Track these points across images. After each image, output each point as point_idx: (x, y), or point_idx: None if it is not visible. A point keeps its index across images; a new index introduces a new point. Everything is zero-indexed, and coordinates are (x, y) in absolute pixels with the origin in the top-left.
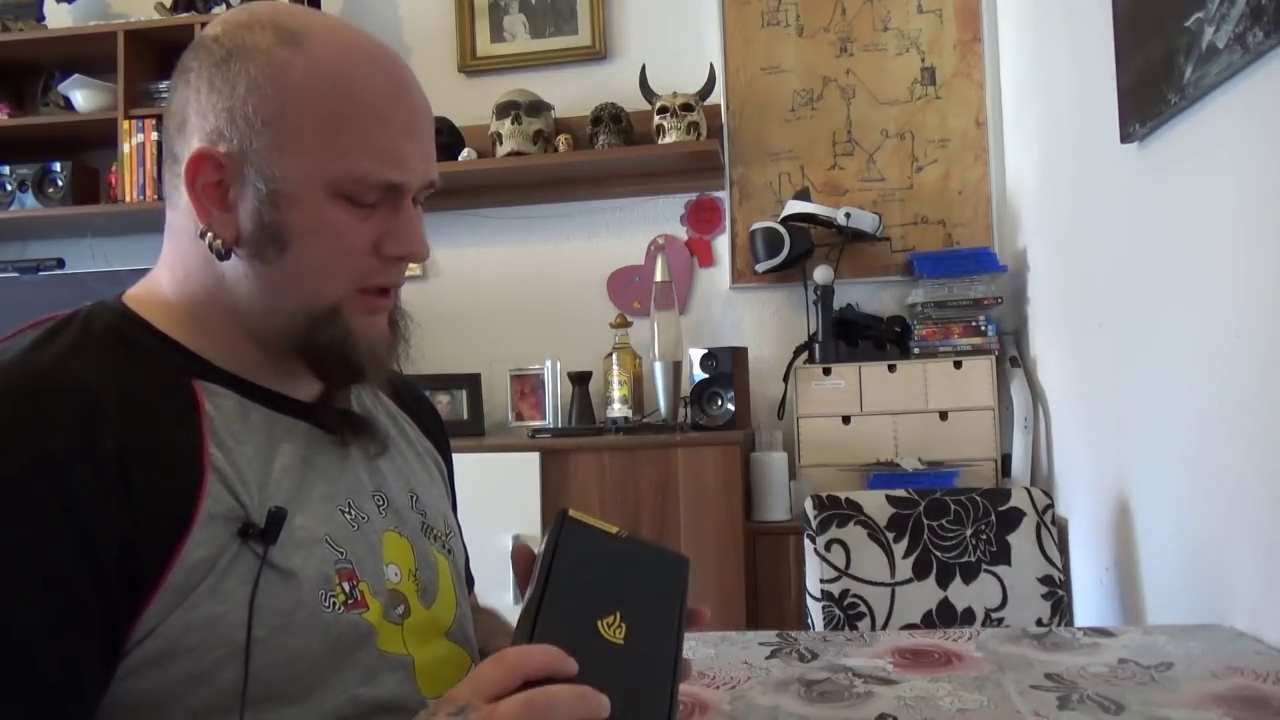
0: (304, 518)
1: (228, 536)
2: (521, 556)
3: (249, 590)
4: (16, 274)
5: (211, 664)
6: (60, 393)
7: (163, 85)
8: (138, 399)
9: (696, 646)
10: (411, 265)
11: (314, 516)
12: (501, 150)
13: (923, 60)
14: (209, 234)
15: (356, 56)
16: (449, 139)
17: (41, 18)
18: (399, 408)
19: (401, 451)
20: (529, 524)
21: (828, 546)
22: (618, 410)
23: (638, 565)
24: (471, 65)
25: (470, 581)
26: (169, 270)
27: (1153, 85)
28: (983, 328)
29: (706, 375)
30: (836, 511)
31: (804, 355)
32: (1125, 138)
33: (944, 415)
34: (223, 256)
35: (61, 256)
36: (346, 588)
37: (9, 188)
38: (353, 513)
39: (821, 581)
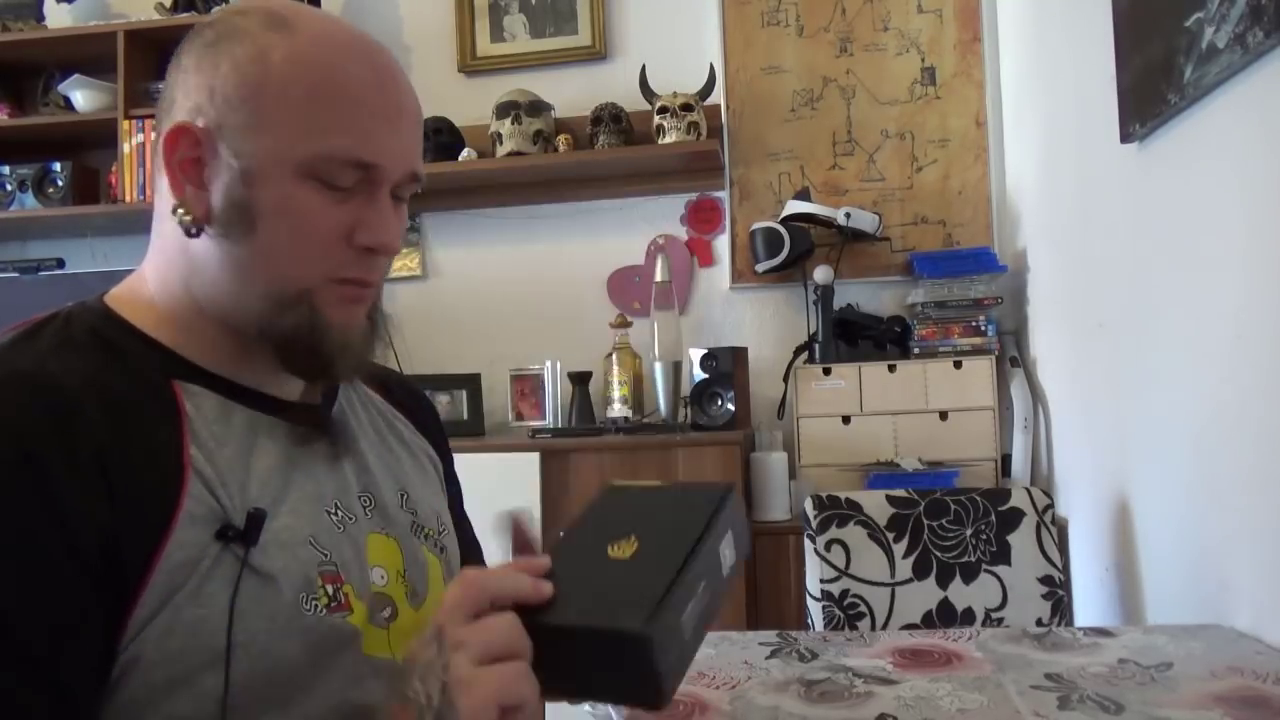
0: (287, 518)
1: (208, 538)
2: (516, 525)
3: (229, 594)
4: (16, 274)
5: (192, 669)
6: (39, 393)
7: (163, 85)
8: (117, 400)
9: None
10: (410, 266)
11: (298, 517)
12: (501, 150)
13: (923, 60)
14: (180, 209)
15: (342, 45)
16: (449, 139)
17: (41, 18)
18: (392, 406)
19: (392, 449)
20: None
21: (828, 546)
22: (618, 410)
23: (669, 502)
24: (471, 65)
25: None
26: (152, 266)
27: (1153, 85)
28: (983, 328)
29: (706, 375)
30: (836, 511)
31: (804, 355)
32: (1125, 138)
33: (944, 415)
34: (192, 234)
35: (61, 256)
36: (330, 590)
37: (9, 188)
38: (339, 514)
39: (821, 581)
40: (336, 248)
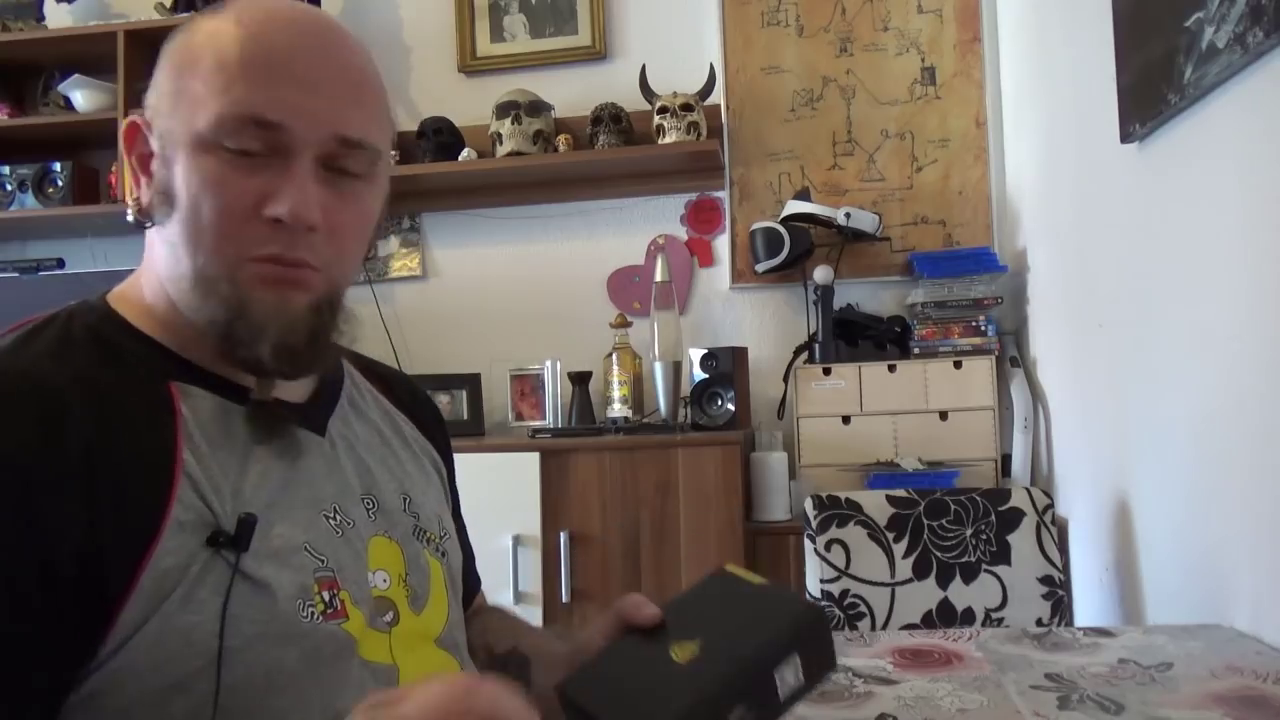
0: (283, 525)
1: (198, 544)
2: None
3: (221, 600)
4: (16, 274)
5: (185, 676)
6: (27, 394)
7: None
8: (110, 401)
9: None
10: (410, 266)
11: (294, 523)
12: (501, 150)
13: (923, 60)
14: (132, 203)
15: (265, 18)
16: (449, 139)
17: (41, 18)
18: (394, 405)
19: (395, 451)
20: (529, 524)
21: (828, 546)
22: (618, 410)
23: (754, 608)
24: (471, 65)
25: (477, 581)
26: (146, 264)
27: (1153, 85)
28: (983, 328)
29: (706, 375)
30: (836, 511)
31: (804, 355)
32: (1125, 137)
33: (944, 415)
34: (140, 225)
35: (61, 256)
36: (326, 597)
37: (9, 188)
38: (337, 518)
39: (821, 581)
40: (248, 222)
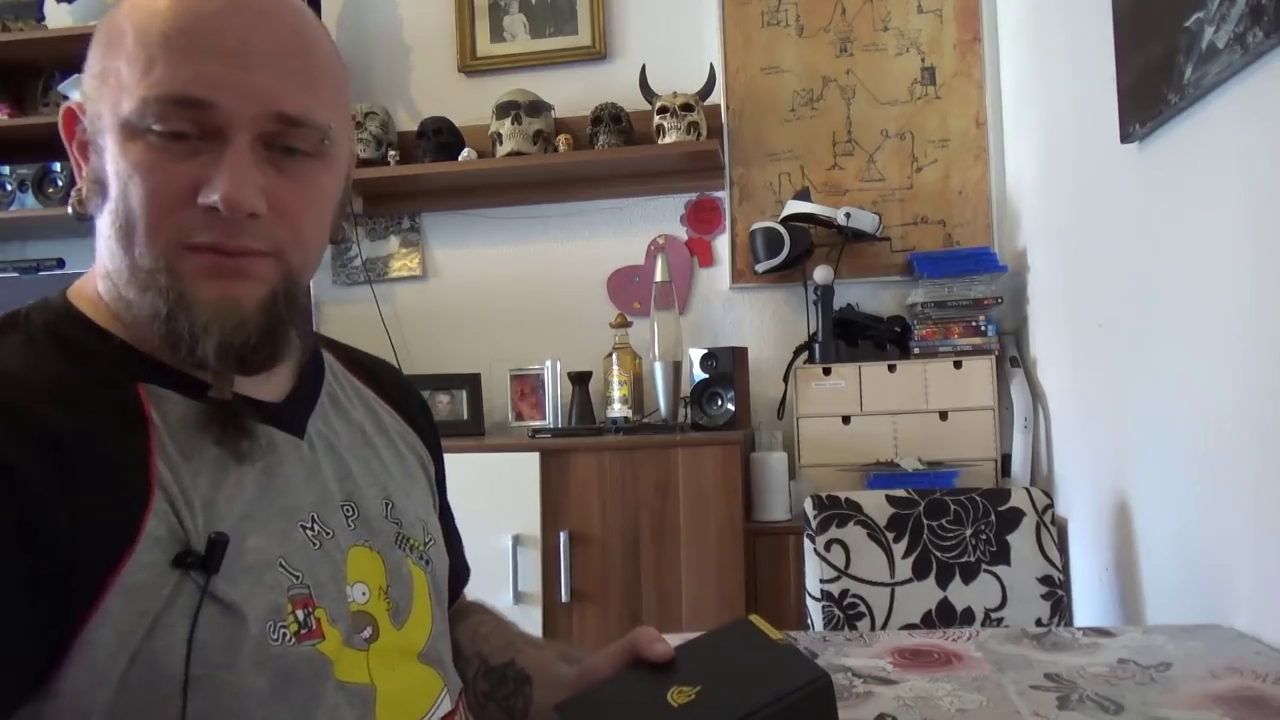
0: (257, 538)
1: (168, 563)
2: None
3: (189, 624)
4: (16, 274)
5: (151, 701)
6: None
7: None
8: (82, 405)
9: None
10: (410, 266)
11: (269, 536)
12: (501, 150)
13: (923, 60)
14: (74, 194)
15: None
16: (449, 139)
17: (41, 18)
18: (379, 398)
19: (378, 452)
20: (529, 524)
21: (827, 546)
22: (618, 410)
23: (763, 664)
24: (471, 65)
25: (466, 573)
26: (96, 258)
27: (1152, 85)
28: (983, 328)
29: (706, 375)
30: (836, 511)
31: (804, 355)
32: (1125, 137)
33: (944, 415)
34: (79, 217)
35: (62, 256)
36: (300, 616)
37: (9, 188)
38: (315, 529)
39: (821, 581)
40: (182, 209)
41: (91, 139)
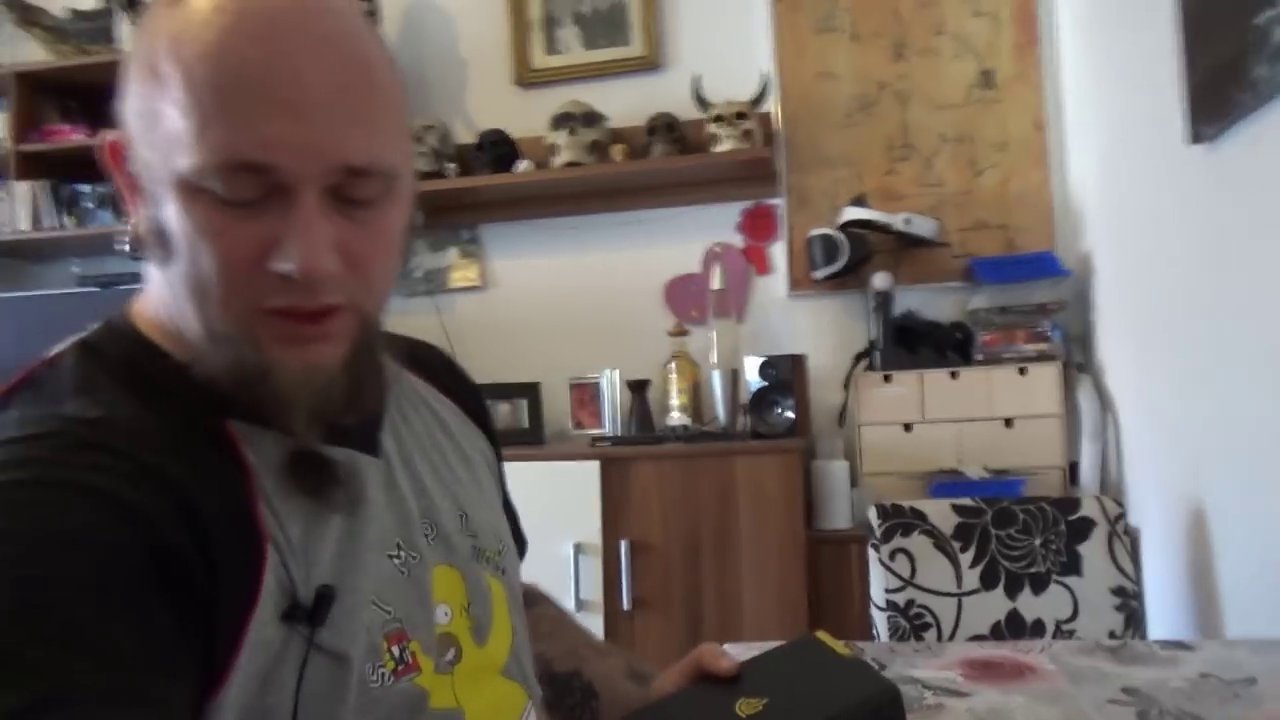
0: (351, 578)
1: (279, 617)
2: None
3: (296, 679)
4: (98, 289)
5: None
6: (120, 454)
7: None
8: (190, 453)
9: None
10: (469, 277)
11: (362, 574)
12: (558, 161)
13: (980, 64)
14: (128, 230)
15: (230, 13)
16: (506, 150)
17: (115, 40)
18: (438, 391)
19: (445, 457)
20: (589, 532)
21: (892, 556)
22: (677, 418)
23: (832, 677)
24: (527, 78)
25: (524, 546)
26: (155, 291)
27: (1222, 85)
28: (1047, 333)
29: (766, 383)
30: (901, 520)
31: (864, 362)
32: (1194, 138)
33: (1009, 422)
34: (132, 255)
35: (137, 271)
36: (396, 652)
37: (90, 205)
38: (401, 555)
39: (886, 591)
40: (254, 273)
41: (146, 186)
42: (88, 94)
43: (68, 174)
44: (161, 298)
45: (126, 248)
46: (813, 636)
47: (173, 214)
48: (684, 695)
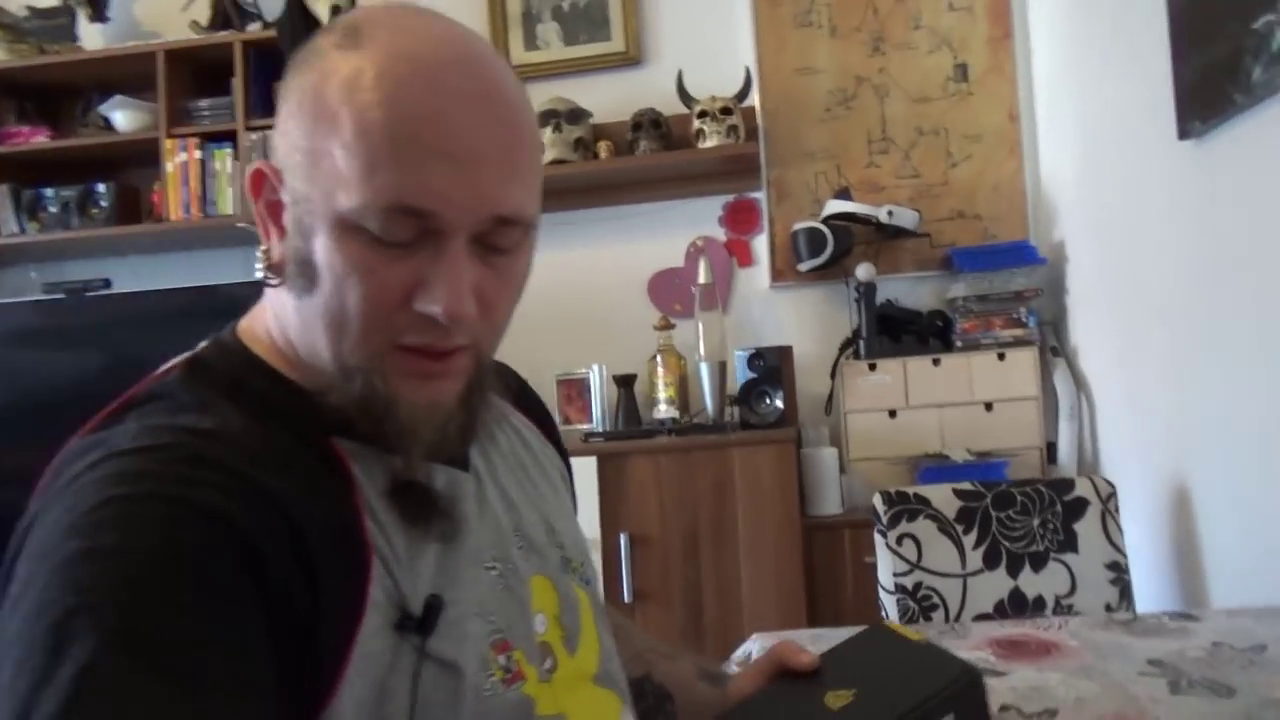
0: (454, 590)
1: (389, 628)
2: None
3: (410, 688)
4: (63, 295)
5: None
6: (227, 470)
7: (203, 104)
8: (296, 468)
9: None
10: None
11: (464, 585)
12: (544, 158)
13: (954, 57)
14: (262, 255)
15: (411, 66)
16: None
17: (76, 39)
18: (521, 414)
19: (528, 472)
20: (588, 527)
21: (899, 541)
22: (664, 411)
23: (911, 663)
24: None
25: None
26: (273, 313)
27: (1217, 84)
28: (1024, 319)
29: (754, 374)
30: (905, 506)
31: (849, 351)
32: (1184, 134)
33: (989, 406)
34: (268, 281)
35: (107, 276)
36: (503, 661)
37: (53, 209)
38: (498, 567)
39: (895, 575)
40: (396, 311)
41: (296, 217)
42: (46, 95)
43: (27, 178)
44: (281, 321)
45: (261, 272)
46: (881, 626)
47: (323, 247)
48: (770, 692)
